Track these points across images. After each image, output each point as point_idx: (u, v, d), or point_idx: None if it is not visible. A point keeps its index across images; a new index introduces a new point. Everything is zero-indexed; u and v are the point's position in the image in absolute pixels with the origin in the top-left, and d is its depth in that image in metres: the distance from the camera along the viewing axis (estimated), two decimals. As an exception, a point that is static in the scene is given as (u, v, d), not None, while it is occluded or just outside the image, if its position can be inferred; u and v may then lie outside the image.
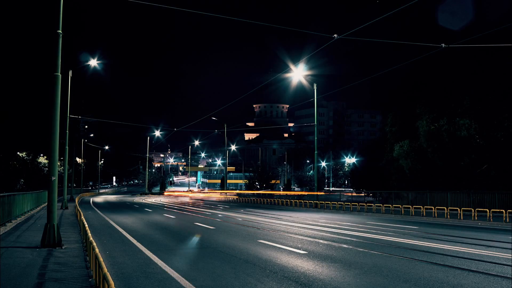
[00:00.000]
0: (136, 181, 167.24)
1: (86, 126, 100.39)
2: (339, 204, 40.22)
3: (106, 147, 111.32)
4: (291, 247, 14.19)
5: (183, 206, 45.08)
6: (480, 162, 36.74)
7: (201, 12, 18.54)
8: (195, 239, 16.80)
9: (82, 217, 18.10)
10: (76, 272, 10.02)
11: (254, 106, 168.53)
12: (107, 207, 42.52)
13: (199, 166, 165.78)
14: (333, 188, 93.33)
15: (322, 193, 58.61)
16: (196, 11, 18.45)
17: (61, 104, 14.79)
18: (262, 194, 66.68)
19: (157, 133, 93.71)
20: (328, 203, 41.32)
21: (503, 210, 25.69)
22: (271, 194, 64.35)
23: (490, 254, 12.92)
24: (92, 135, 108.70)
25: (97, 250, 8.52)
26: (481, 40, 25.65)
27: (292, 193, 70.47)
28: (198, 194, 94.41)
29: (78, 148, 74.66)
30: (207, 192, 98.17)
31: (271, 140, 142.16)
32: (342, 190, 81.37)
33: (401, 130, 44.40)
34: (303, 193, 68.56)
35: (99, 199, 65.76)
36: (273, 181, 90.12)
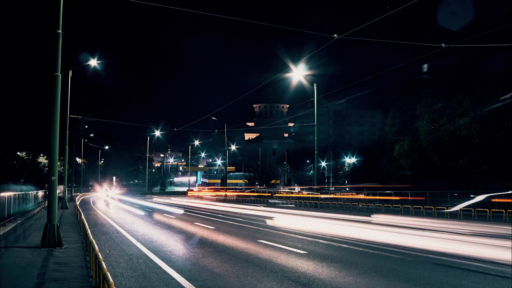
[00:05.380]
0: (136, 181, 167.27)
1: (86, 126, 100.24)
2: (339, 203, 40.22)
3: (106, 147, 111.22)
4: (291, 247, 14.19)
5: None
6: (480, 161, 36.74)
7: (201, 12, 18.54)
8: (195, 239, 16.81)
9: (82, 217, 18.11)
10: (76, 272, 10.03)
11: (254, 106, 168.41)
12: (107, 209, 42.52)
13: (199, 166, 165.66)
14: (333, 188, 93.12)
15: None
16: (196, 11, 18.46)
17: (61, 104, 14.80)
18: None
19: (157, 133, 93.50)
20: (328, 203, 41.34)
21: (503, 210, 25.67)
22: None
23: (490, 254, 12.92)
24: (92, 135, 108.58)
25: (97, 250, 8.52)
26: (481, 40, 25.64)
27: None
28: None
29: (78, 148, 74.61)
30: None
31: (271, 140, 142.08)
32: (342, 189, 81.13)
33: (401, 130, 44.42)
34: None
35: (100, 199, 65.70)
36: (273, 181, 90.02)
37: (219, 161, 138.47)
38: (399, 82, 47.32)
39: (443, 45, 20.46)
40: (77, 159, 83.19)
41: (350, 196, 48.67)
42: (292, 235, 17.81)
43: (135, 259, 11.99)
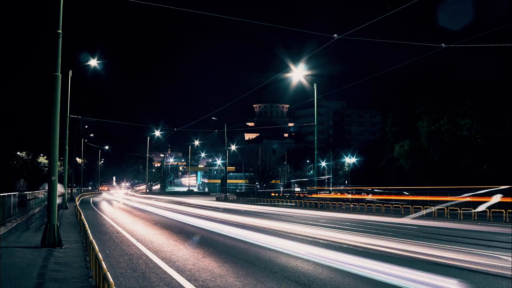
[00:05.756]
0: (136, 181, 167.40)
1: (86, 126, 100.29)
2: (339, 203, 40.19)
3: (106, 147, 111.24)
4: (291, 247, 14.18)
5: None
6: (481, 162, 36.74)
7: (201, 12, 18.55)
8: (195, 239, 16.80)
9: (82, 217, 18.11)
10: (76, 272, 10.03)
11: (254, 106, 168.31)
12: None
13: (199, 166, 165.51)
14: (333, 188, 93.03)
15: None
16: (196, 11, 18.46)
17: (61, 104, 14.79)
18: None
19: (157, 133, 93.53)
20: (328, 203, 41.30)
21: (503, 210, 25.67)
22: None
23: (490, 254, 12.92)
24: (92, 135, 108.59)
25: (97, 250, 8.52)
26: (481, 40, 25.66)
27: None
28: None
29: (78, 148, 74.56)
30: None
31: (271, 140, 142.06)
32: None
33: (402, 130, 44.42)
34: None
35: (99, 198, 65.67)
36: (273, 181, 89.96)
37: (219, 161, 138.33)
38: (399, 82, 47.30)
39: (443, 45, 20.46)
40: (77, 159, 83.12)
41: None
42: (292, 234, 17.80)
43: (135, 259, 11.99)
